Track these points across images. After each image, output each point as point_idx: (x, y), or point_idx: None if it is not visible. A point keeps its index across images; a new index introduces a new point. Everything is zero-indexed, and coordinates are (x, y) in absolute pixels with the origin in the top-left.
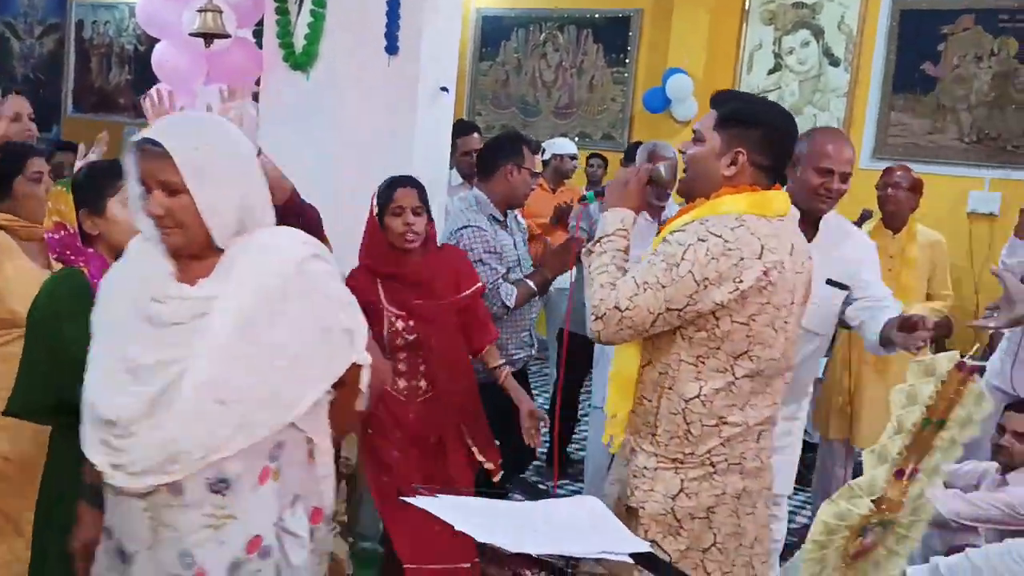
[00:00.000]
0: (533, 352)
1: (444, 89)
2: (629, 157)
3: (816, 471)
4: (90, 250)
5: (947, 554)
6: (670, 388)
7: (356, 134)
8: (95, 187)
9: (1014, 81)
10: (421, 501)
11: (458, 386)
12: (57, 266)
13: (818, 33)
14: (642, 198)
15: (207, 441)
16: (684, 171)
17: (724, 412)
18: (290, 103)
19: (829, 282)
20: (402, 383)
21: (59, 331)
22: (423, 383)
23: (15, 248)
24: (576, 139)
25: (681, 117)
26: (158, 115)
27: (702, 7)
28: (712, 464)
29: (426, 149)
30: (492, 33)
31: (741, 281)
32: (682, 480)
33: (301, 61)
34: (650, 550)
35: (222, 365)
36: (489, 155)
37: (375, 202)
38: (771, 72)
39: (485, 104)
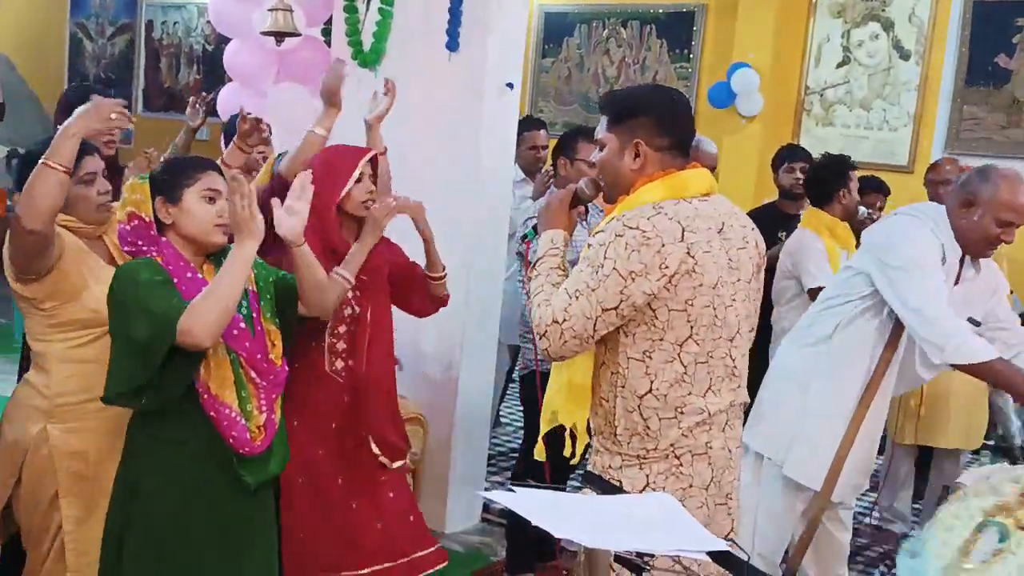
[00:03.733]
0: None
1: (509, 85)
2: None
3: (883, 474)
4: (163, 239)
5: None
6: (623, 387)
7: (424, 130)
8: (174, 176)
9: None
10: (497, 495)
11: (386, 369)
12: (127, 258)
13: (888, 26)
14: (568, 217)
15: None
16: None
17: (680, 402)
18: (357, 100)
19: (969, 319)
20: (340, 363)
21: (144, 304)
22: (358, 364)
23: (86, 249)
24: None
25: (746, 112)
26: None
27: (768, 1)
28: (677, 456)
29: (491, 144)
30: (555, 29)
31: (667, 267)
32: (647, 475)
33: (369, 59)
34: (728, 548)
35: None
36: (553, 154)
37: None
38: (839, 66)
39: (547, 101)
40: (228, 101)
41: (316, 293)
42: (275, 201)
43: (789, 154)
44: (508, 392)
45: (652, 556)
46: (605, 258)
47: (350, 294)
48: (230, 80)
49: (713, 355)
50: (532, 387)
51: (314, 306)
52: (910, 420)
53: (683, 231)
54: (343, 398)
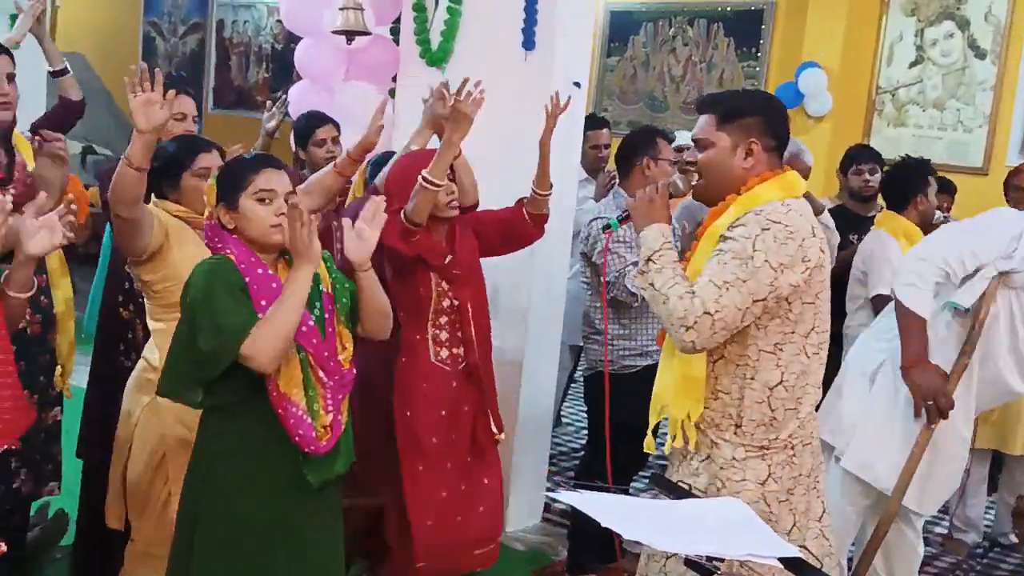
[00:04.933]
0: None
1: (577, 84)
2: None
3: None
4: (233, 237)
5: None
6: (752, 379)
7: (490, 129)
8: (231, 182)
9: None
10: (564, 496)
11: (486, 354)
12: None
13: (963, 24)
14: (668, 211)
15: None
16: (697, 179)
17: (801, 393)
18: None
19: None
20: (444, 353)
21: (213, 314)
22: (462, 351)
23: (190, 235)
24: None
25: (814, 112)
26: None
27: None
28: (792, 447)
29: (558, 143)
30: (620, 28)
31: (808, 260)
32: (769, 466)
33: (437, 57)
34: (799, 555)
35: None
36: (625, 153)
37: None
38: (912, 65)
39: (612, 100)
40: (298, 100)
41: (376, 318)
42: (346, 222)
43: (858, 155)
44: (569, 392)
45: (721, 560)
46: (755, 250)
47: (445, 286)
48: (299, 78)
49: (822, 347)
50: (598, 387)
51: (373, 330)
52: (983, 424)
53: (812, 227)
54: (451, 385)
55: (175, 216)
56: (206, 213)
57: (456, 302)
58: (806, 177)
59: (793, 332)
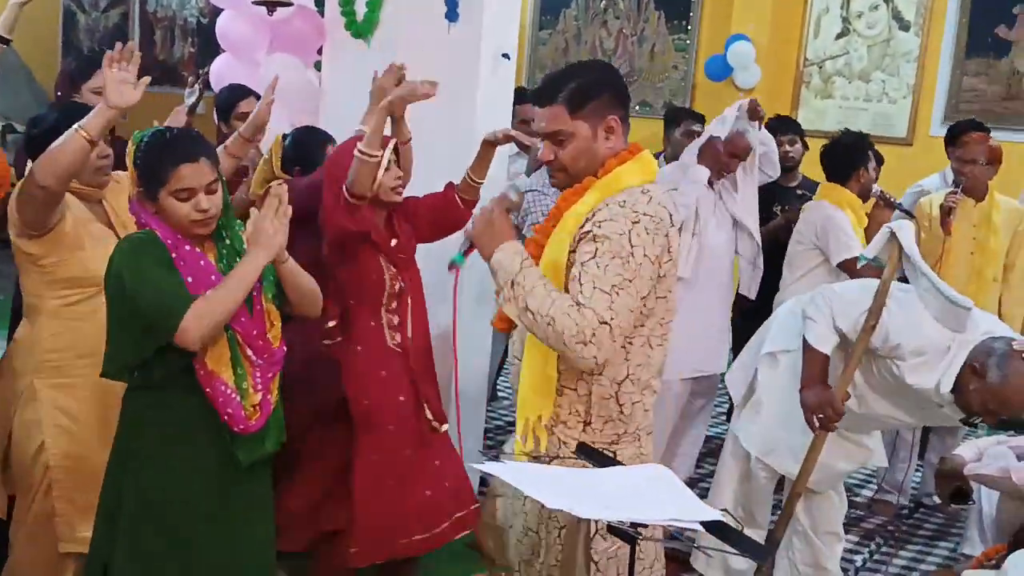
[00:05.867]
0: None
1: (506, 56)
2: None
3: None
4: (156, 218)
5: None
6: (599, 375)
7: (418, 102)
8: (149, 175)
9: None
10: (488, 466)
11: (428, 341)
12: (125, 222)
13: None
14: (511, 227)
15: None
16: (555, 174)
17: (646, 385)
18: (352, 71)
19: None
20: (398, 337)
21: (150, 282)
22: (405, 336)
23: (86, 211)
24: (637, 108)
25: (743, 84)
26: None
27: None
28: (639, 439)
29: (488, 117)
30: (552, 1)
31: (671, 251)
32: (622, 460)
33: (363, 29)
34: (720, 518)
35: None
36: None
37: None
38: (839, 37)
39: (545, 73)
40: (220, 73)
41: (306, 298)
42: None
43: (778, 127)
44: (504, 367)
45: (645, 526)
46: (633, 246)
47: (394, 270)
48: (223, 52)
49: (665, 338)
50: None
51: (304, 310)
52: None
53: (669, 216)
54: (408, 369)
55: None
56: (129, 192)
57: (403, 285)
58: (747, 156)
59: (643, 325)
